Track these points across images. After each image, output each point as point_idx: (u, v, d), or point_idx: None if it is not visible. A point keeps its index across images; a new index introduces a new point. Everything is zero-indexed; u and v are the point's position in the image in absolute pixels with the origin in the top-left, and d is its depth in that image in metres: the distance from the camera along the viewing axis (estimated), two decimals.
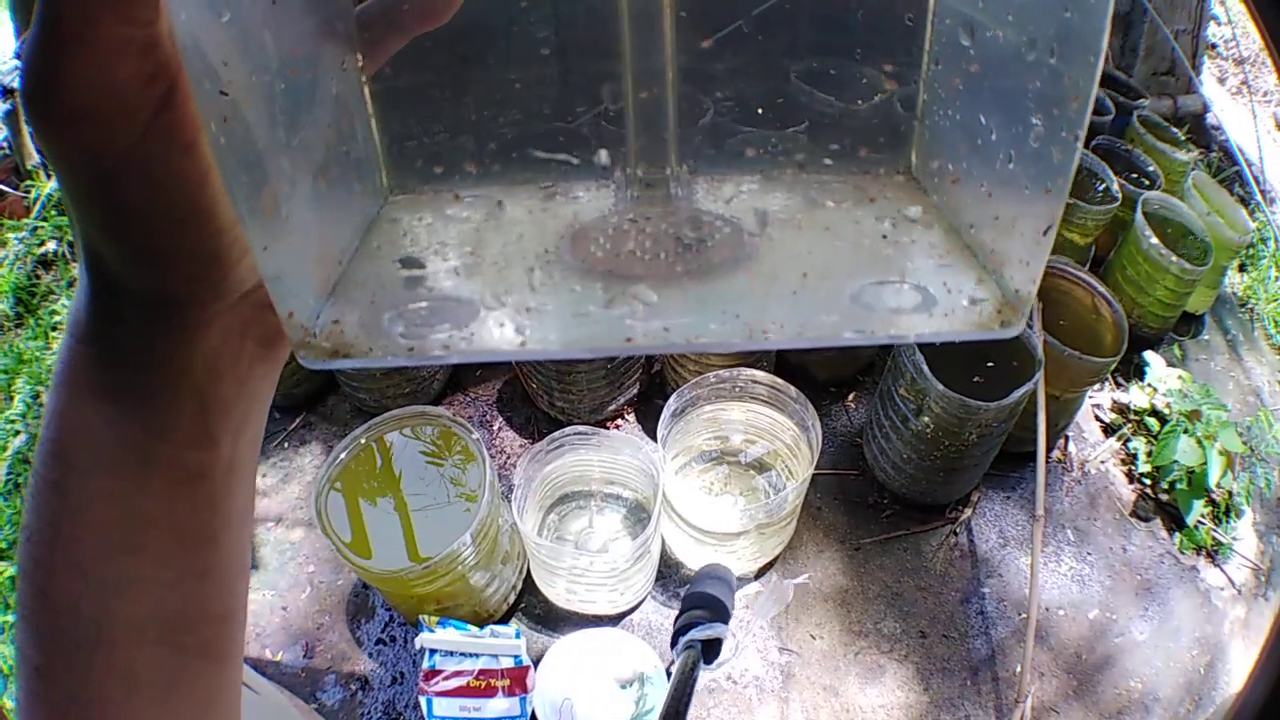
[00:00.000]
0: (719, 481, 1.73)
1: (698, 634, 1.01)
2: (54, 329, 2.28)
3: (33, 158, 2.48)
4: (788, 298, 0.27)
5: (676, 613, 1.09)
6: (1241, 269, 2.45)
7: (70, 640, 0.27)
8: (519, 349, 0.26)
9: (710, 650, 1.02)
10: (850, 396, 2.00)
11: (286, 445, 1.89)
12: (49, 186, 2.44)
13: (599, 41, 0.30)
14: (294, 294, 0.25)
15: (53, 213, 2.44)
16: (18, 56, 2.31)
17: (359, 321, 0.27)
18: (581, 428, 1.52)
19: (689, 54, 0.30)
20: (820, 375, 1.97)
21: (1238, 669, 1.67)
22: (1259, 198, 2.40)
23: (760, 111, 0.32)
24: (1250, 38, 2.91)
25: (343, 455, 1.41)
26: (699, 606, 1.08)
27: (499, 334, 0.26)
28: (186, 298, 0.25)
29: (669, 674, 1.52)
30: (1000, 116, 0.27)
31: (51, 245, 2.41)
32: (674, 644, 1.05)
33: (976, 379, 1.59)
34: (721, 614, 1.07)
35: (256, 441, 0.31)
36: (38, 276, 2.39)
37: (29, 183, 2.48)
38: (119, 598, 0.27)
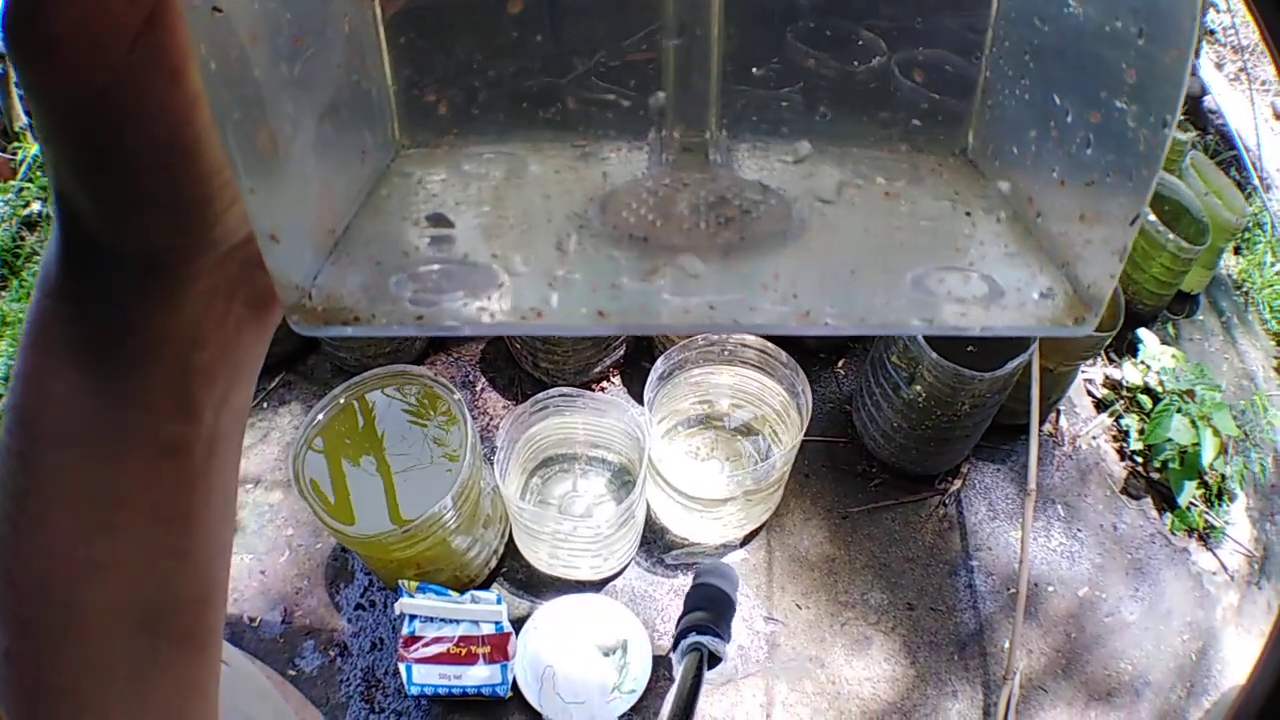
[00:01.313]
0: (706, 446, 1.71)
1: (704, 640, 1.00)
2: None
3: (20, 119, 2.46)
4: (844, 279, 0.25)
5: (680, 613, 1.07)
6: (1237, 251, 2.43)
7: (38, 626, 0.25)
8: (541, 322, 0.23)
9: (711, 657, 1.01)
10: (840, 363, 1.97)
11: (265, 405, 1.86)
12: (35, 148, 2.41)
13: None
14: (289, 250, 0.22)
15: (38, 174, 2.42)
16: None
17: (362, 284, 0.24)
18: (566, 389, 1.50)
19: (736, 8, 0.27)
20: (810, 341, 1.95)
21: (1231, 658, 1.65)
22: (1256, 183, 2.38)
23: (807, 78, 0.29)
24: (1250, 27, 2.90)
25: (320, 416, 1.38)
26: (702, 607, 1.07)
27: (520, 304, 0.23)
28: (167, 251, 0.22)
29: (646, 659, 1.50)
30: (1077, 99, 0.25)
31: (36, 206, 2.38)
32: (676, 644, 1.03)
33: (970, 348, 1.57)
34: (725, 614, 1.06)
35: (243, 414, 0.28)
36: (22, 238, 2.36)
37: (16, 144, 2.46)
38: (89, 582, 0.25)
